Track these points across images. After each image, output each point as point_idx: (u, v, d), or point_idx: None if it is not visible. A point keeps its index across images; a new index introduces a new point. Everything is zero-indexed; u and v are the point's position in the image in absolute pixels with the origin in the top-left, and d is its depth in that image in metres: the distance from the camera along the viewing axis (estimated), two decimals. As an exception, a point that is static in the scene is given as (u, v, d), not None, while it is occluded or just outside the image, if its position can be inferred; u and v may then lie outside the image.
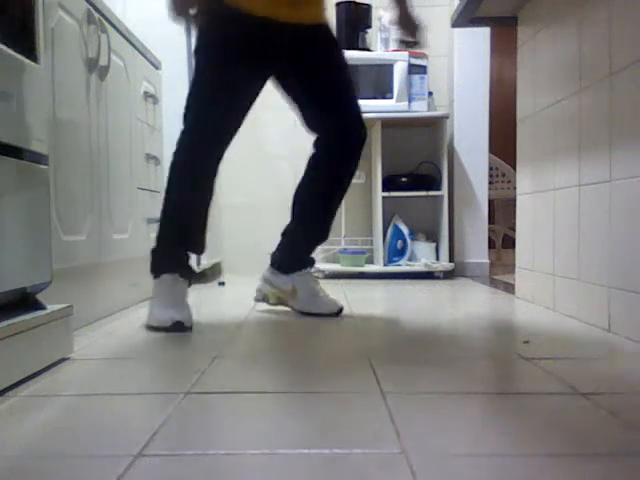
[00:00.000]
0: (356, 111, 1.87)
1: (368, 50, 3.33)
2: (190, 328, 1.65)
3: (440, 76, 3.53)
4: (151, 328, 1.67)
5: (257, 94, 1.79)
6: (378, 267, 3.21)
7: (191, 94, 1.73)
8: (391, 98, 3.21)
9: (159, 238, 1.77)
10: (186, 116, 1.73)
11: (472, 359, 1.31)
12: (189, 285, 1.77)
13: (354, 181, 1.92)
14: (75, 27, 1.68)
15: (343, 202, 1.94)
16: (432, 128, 3.45)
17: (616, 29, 1.56)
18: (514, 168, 2.46)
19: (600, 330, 1.62)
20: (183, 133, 1.72)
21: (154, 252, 1.77)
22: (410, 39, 1.90)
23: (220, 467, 0.74)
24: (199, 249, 1.83)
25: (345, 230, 3.42)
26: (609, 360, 1.29)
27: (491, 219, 3.91)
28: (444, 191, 3.21)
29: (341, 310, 1.90)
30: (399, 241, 3.22)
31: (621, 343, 1.46)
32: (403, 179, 3.26)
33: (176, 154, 1.73)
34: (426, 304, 2.21)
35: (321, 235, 1.95)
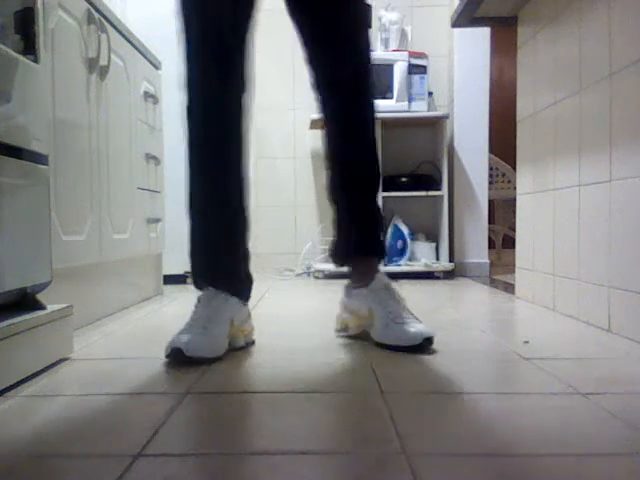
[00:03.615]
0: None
1: (368, 50, 3.33)
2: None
3: (440, 76, 3.53)
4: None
5: None
6: (378, 267, 3.20)
7: None
8: (391, 98, 3.21)
9: None
10: None
11: (472, 359, 1.31)
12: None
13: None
14: (75, 27, 1.68)
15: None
16: (432, 128, 3.46)
17: (616, 29, 1.56)
18: (514, 168, 2.46)
19: (600, 330, 1.62)
20: None
21: None
22: None
23: (220, 467, 0.74)
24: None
25: (345, 230, 3.42)
26: (609, 360, 1.29)
27: (491, 219, 3.91)
28: (444, 191, 3.21)
29: (429, 340, 1.35)
30: (399, 241, 3.22)
31: (621, 343, 1.45)
32: (403, 179, 3.26)
33: None
34: (426, 304, 2.20)
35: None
